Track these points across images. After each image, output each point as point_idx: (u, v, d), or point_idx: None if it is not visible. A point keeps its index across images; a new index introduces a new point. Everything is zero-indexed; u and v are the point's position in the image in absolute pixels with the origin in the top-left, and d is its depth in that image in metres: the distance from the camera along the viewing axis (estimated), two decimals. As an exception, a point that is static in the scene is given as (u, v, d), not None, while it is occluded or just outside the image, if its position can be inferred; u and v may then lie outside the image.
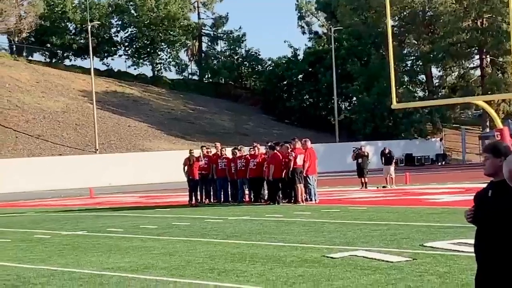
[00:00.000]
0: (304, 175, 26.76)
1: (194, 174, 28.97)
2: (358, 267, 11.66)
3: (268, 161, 27.28)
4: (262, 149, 29.06)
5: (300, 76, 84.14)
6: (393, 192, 31.04)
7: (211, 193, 29.99)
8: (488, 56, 76.99)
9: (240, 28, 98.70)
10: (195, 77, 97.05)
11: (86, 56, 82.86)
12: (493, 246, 5.59)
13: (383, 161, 35.03)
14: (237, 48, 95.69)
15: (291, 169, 26.57)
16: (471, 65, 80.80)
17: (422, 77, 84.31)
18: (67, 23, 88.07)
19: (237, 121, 79.27)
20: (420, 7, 76.90)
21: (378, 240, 15.21)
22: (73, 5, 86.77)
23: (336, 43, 76.72)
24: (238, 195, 29.05)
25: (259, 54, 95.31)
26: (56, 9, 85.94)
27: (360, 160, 34.22)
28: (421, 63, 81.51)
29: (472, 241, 5.92)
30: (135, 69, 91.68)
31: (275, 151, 27.33)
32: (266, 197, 28.05)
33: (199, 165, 29.15)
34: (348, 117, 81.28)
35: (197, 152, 30.16)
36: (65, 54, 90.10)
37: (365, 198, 28.06)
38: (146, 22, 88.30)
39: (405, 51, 79.46)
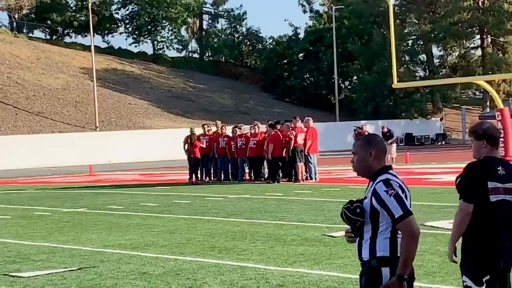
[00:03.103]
0: (306, 153, 26.77)
1: (195, 153, 28.95)
2: (359, 246, 11.68)
3: (268, 140, 27.26)
4: (263, 128, 29.05)
5: (301, 55, 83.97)
6: (393, 172, 31.01)
7: (212, 171, 30.00)
8: (489, 36, 76.73)
9: (240, 6, 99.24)
10: (196, 55, 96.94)
11: (86, 33, 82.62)
12: None
13: (385, 141, 34.97)
14: (237, 27, 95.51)
15: (291, 147, 26.58)
16: (472, 45, 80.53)
17: (423, 56, 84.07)
18: (68, 0, 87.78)
19: (238, 100, 79.20)
20: (421, -14, 76.65)
21: (379, 219, 15.20)
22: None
23: (337, 22, 76.48)
24: (238, 173, 29.06)
25: (259, 33, 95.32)
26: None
27: (360, 139, 34.17)
28: (422, 43, 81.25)
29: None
30: (135, 46, 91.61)
31: (275, 130, 27.31)
32: (266, 175, 28.07)
33: (200, 144, 29.09)
34: (348, 96, 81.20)
35: (198, 131, 30.13)
36: (65, 31, 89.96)
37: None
38: (147, 0, 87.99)
39: (406, 31, 79.15)
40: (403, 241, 5.11)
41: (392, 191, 5.16)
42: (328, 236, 13.11)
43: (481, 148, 6.01)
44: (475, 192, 5.84)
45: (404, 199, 5.14)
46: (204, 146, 29.17)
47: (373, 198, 5.22)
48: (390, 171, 5.32)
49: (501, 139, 33.11)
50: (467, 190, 5.88)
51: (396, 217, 5.11)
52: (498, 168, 5.88)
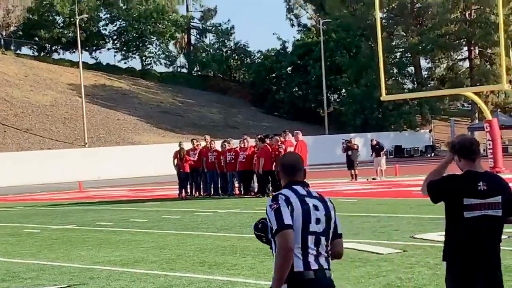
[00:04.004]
0: (295, 167, 26.71)
1: (184, 168, 28.92)
2: (349, 259, 11.66)
3: (257, 154, 27.25)
4: (252, 142, 29.05)
5: (289, 68, 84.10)
6: (383, 184, 31.09)
7: (201, 186, 29.95)
8: (476, 47, 77.10)
9: (228, 20, 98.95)
10: (184, 70, 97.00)
11: (74, 50, 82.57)
12: None
13: (373, 153, 35.00)
14: (225, 41, 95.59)
15: (281, 161, 26.51)
16: (460, 57, 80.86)
17: (411, 68, 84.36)
18: (55, 17, 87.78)
19: (226, 114, 79.22)
20: (408, -2, 77.00)
21: (369, 232, 15.23)
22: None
23: (325, 36, 76.68)
24: (228, 188, 29.03)
25: (248, 47, 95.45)
26: (44, 2, 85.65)
27: (350, 153, 34.23)
28: (409, 55, 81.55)
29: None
30: (125, 63, 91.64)
31: (265, 144, 27.31)
32: (256, 189, 28.04)
33: (190, 159, 29.04)
34: (337, 109, 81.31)
35: (187, 146, 30.11)
36: (53, 48, 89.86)
37: (355, 190, 28.09)
38: (135, 16, 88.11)
39: (393, 43, 79.42)
40: (275, 255, 5.13)
41: (275, 205, 5.17)
42: (318, 249, 13.07)
43: (458, 163, 5.98)
44: (445, 198, 5.82)
45: (285, 214, 5.12)
46: (194, 160, 29.14)
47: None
48: (294, 186, 5.31)
49: (489, 150, 33.27)
50: (437, 190, 5.87)
51: (273, 231, 5.15)
52: (478, 184, 5.78)
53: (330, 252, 5.35)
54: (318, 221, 5.23)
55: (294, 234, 5.11)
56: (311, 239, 5.19)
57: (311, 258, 5.18)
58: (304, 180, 5.43)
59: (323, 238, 5.26)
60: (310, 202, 5.24)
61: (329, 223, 5.32)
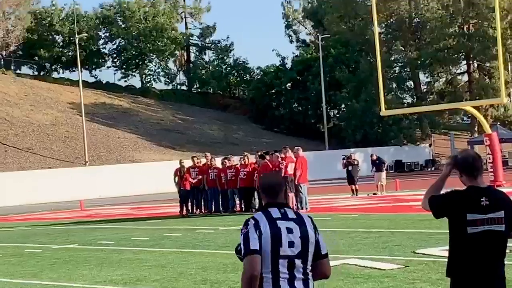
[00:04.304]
0: (296, 183, 26.76)
1: (185, 185, 28.93)
2: (351, 275, 11.67)
3: (258, 171, 27.22)
4: (252, 159, 29.04)
5: (289, 84, 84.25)
6: (384, 199, 31.07)
7: (202, 203, 29.93)
8: (475, 61, 77.19)
9: (227, 37, 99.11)
10: (184, 87, 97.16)
11: (74, 69, 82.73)
12: None
13: (374, 168, 34.99)
14: (225, 58, 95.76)
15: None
16: (459, 71, 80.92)
17: (410, 83, 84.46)
18: (55, 36, 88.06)
19: (227, 131, 79.28)
20: (406, 14, 77.12)
21: (370, 247, 15.23)
22: (61, 18, 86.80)
23: (324, 51, 76.86)
24: (229, 205, 29.00)
25: (247, 63, 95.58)
26: (44, 22, 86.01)
27: (350, 168, 34.23)
28: (408, 70, 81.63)
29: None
30: (125, 81, 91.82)
31: (265, 160, 27.31)
32: (257, 206, 28.00)
33: (190, 178, 29.05)
34: (337, 125, 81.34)
35: (188, 163, 30.12)
36: (53, 67, 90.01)
37: (356, 206, 28.07)
38: (134, 34, 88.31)
39: (392, 58, 79.50)
40: (240, 279, 5.17)
41: (244, 230, 5.23)
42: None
43: (460, 178, 6.00)
44: (448, 214, 5.82)
45: (252, 239, 5.14)
46: (194, 179, 29.12)
47: None
48: (269, 208, 5.32)
49: (489, 164, 33.23)
50: (440, 205, 5.87)
51: (242, 255, 5.19)
52: (481, 199, 5.79)
53: (311, 274, 5.28)
54: (291, 244, 5.17)
55: (260, 259, 5.11)
56: (282, 263, 5.14)
57: (282, 282, 5.14)
58: (284, 200, 5.41)
59: (298, 261, 5.19)
60: (283, 225, 5.20)
61: (306, 245, 5.23)
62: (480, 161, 6.00)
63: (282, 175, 26.54)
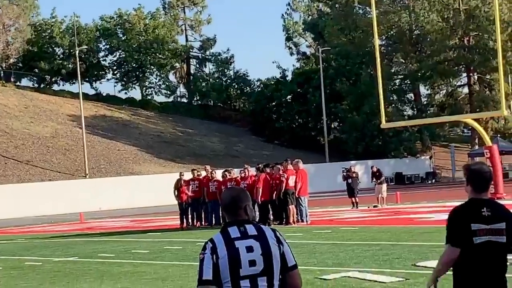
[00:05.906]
0: (296, 196, 26.73)
1: (181, 197, 28.97)
2: (352, 288, 11.64)
3: (256, 184, 27.18)
4: (253, 171, 29.01)
5: (289, 96, 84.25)
6: (384, 212, 31.03)
7: (202, 216, 29.90)
8: (475, 73, 77.25)
9: (228, 50, 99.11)
10: (184, 100, 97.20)
11: (74, 81, 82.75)
12: None
13: (375, 180, 34.94)
14: (225, 70, 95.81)
15: (283, 190, 26.51)
16: (459, 83, 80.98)
17: (411, 95, 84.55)
18: (55, 48, 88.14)
19: (227, 143, 79.27)
20: (407, 26, 77.23)
21: (371, 260, 15.19)
22: (61, 30, 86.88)
23: (324, 63, 76.95)
24: (229, 217, 28.88)
25: (247, 76, 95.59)
26: (44, 34, 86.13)
27: (350, 181, 34.21)
28: (409, 82, 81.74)
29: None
30: (125, 93, 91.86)
31: (263, 173, 27.27)
32: (257, 219, 27.96)
33: (189, 188, 29.05)
34: (338, 137, 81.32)
35: (188, 176, 30.12)
36: (53, 79, 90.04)
37: (357, 218, 28.04)
38: (134, 46, 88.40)
39: (393, 70, 79.64)
40: None
41: (201, 255, 5.11)
42: (321, 279, 13.04)
43: (466, 187, 6.03)
44: (461, 235, 5.82)
45: (206, 268, 5.06)
46: (189, 193, 29.13)
47: None
48: (229, 228, 5.17)
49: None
50: (453, 233, 5.85)
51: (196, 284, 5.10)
52: (482, 210, 5.81)
53: None
54: (252, 263, 5.05)
55: None
56: (244, 283, 5.03)
57: None
58: (245, 217, 5.25)
59: (262, 279, 5.07)
60: (242, 244, 5.06)
61: (269, 261, 5.09)
62: (490, 179, 6.05)
63: (283, 188, 26.53)
